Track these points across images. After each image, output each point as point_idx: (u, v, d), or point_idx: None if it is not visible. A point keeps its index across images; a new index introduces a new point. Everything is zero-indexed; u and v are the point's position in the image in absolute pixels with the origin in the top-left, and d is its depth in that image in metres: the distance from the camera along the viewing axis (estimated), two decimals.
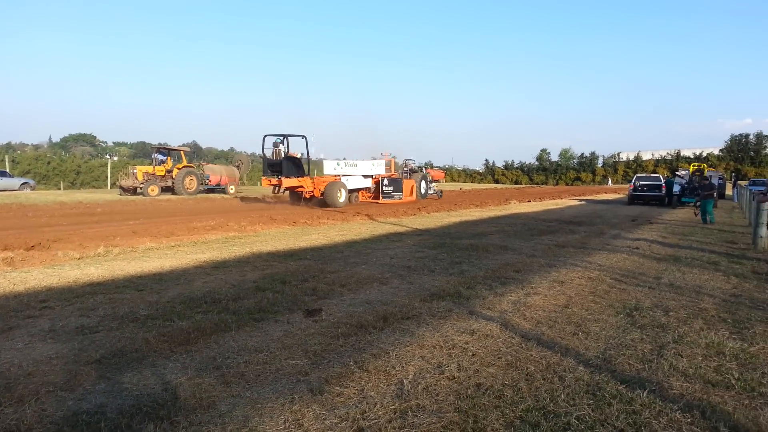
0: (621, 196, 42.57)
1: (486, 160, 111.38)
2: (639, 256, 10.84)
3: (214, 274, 8.34)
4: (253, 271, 8.53)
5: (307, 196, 24.36)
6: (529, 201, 32.70)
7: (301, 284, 7.60)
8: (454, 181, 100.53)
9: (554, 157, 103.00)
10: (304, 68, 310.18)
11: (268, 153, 24.72)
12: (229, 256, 9.96)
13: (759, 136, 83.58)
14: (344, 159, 27.47)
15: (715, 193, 27.66)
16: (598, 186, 78.87)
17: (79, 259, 9.69)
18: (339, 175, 26.18)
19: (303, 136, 24.19)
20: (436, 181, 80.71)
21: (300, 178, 23.83)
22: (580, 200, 35.91)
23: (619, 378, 4.29)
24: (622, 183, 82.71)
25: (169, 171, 34.14)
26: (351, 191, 26.31)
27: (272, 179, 23.86)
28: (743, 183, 45.89)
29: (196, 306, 6.36)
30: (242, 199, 31.81)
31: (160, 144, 36.63)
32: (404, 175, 31.24)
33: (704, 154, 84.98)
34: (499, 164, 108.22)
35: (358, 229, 15.22)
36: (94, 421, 3.55)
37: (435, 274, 8.59)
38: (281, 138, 24.51)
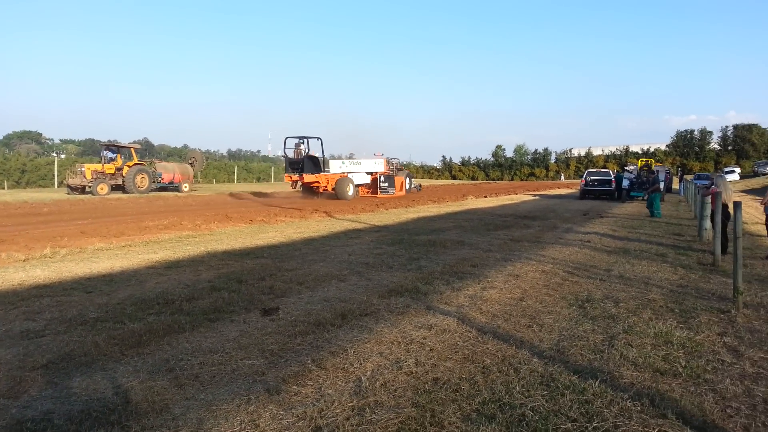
0: (573, 191, 43.69)
1: (443, 156, 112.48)
2: (590, 249, 11.14)
3: (167, 274, 8.13)
4: (208, 271, 8.36)
5: (321, 190, 28.12)
6: (485, 197, 33.19)
7: (258, 283, 7.49)
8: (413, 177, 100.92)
9: (509, 153, 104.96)
10: (260, 63, 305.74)
11: (290, 153, 28.26)
12: (183, 256, 9.73)
13: (703, 132, 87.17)
14: (349, 158, 32.19)
15: (662, 187, 28.79)
16: (551, 181, 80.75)
17: (24, 260, 9.29)
18: (346, 173, 29.64)
19: (319, 138, 28.34)
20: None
21: (317, 175, 27.45)
22: (535, 195, 36.66)
23: (572, 368, 4.39)
24: (574, 178, 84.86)
25: (119, 169, 33.13)
26: (356, 186, 29.64)
27: (293, 176, 27.72)
28: (689, 177, 47.73)
29: (148, 307, 6.19)
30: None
31: (109, 141, 35.50)
32: (393, 172, 34.57)
33: (652, 150, 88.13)
34: (456, 160, 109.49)
35: (317, 226, 15.11)
36: (40, 429, 3.41)
37: (393, 270, 8.60)
38: (302, 139, 28.03)
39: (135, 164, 34.00)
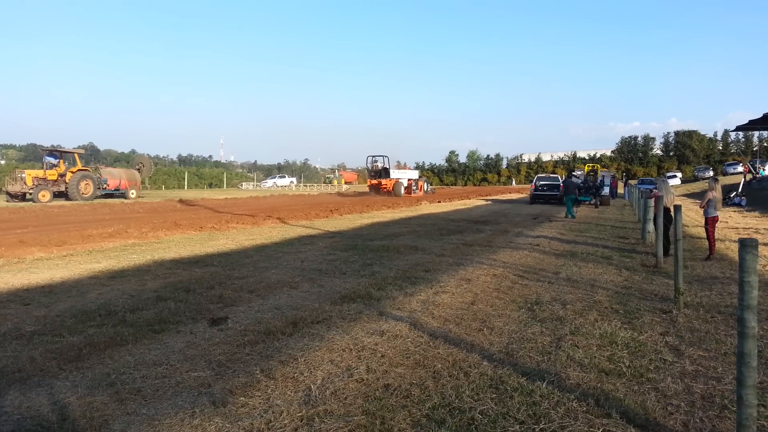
0: (524, 195, 44.64)
1: (398, 161, 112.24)
2: (539, 252, 11.38)
3: (111, 284, 7.84)
4: (154, 280, 8.11)
5: (384, 190, 41.57)
6: (439, 201, 33.53)
7: (207, 292, 7.31)
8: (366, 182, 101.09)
9: (462, 158, 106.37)
10: (211, 67, 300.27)
11: (370, 165, 44.32)
12: (128, 265, 9.41)
13: (646, 138, 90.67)
14: (401, 168, 48.24)
15: (608, 192, 29.77)
16: (503, 186, 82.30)
17: None
18: (398, 178, 42.90)
19: (385, 156, 43.84)
20: (349, 183, 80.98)
21: (386, 180, 42.06)
22: (487, 200, 37.30)
23: (521, 371, 4.45)
24: (524, 183, 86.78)
25: (62, 175, 31.88)
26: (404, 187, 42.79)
27: (373, 181, 43.01)
28: (633, 182, 49.51)
29: (89, 319, 5.94)
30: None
31: (52, 146, 34.15)
32: (420, 178, 49.80)
33: (598, 155, 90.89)
34: (411, 165, 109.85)
35: (269, 233, 14.91)
36: None
37: (346, 276, 8.56)
38: (378, 157, 43.75)
39: (79, 170, 32.80)
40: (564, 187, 23.24)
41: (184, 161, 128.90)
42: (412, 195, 42.65)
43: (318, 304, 6.64)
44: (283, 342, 5.18)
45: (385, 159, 43.81)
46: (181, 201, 33.77)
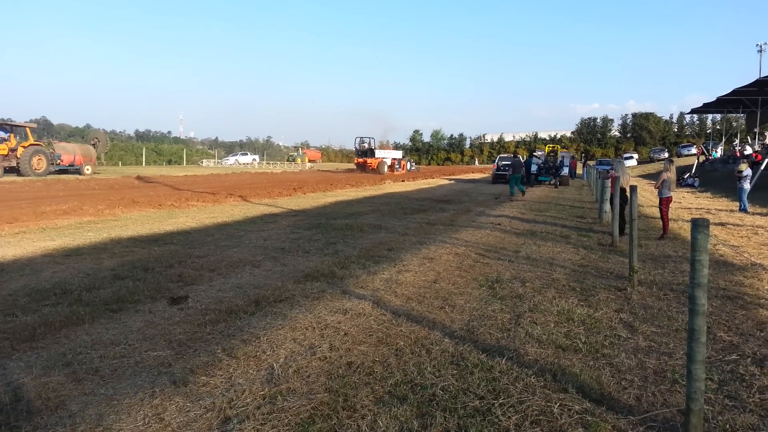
0: (486, 175, 45.13)
1: (381, 142, 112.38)
2: (501, 231, 11.57)
3: (66, 262, 7.61)
4: (111, 259, 7.92)
5: (370, 168, 45.81)
6: (403, 181, 33.60)
7: (166, 270, 7.18)
8: (331, 161, 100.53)
9: (427, 138, 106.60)
10: (167, 39, 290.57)
11: (358, 145, 49.94)
12: (84, 243, 9.15)
13: (605, 120, 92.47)
14: (385, 148, 53.68)
15: (567, 172, 30.35)
16: (466, 166, 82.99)
17: None
18: (383, 158, 47.37)
19: (372, 138, 50.66)
20: (313, 161, 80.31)
21: (371, 159, 46.98)
22: (450, 180, 37.57)
23: (481, 347, 4.54)
24: (487, 163, 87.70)
25: (13, 150, 30.56)
26: (387, 166, 46.89)
27: (359, 159, 48.20)
28: (592, 163, 50.61)
29: (44, 298, 5.77)
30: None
31: (1, 120, 32.63)
32: (403, 158, 53.76)
33: (558, 136, 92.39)
34: (375, 144, 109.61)
35: (231, 211, 14.71)
36: None
37: (309, 255, 8.54)
38: (366, 138, 49.88)
39: (31, 145, 31.50)
40: (511, 166, 23.47)
41: (142, 137, 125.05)
42: (395, 173, 46.27)
43: (281, 283, 6.61)
44: (245, 321, 5.15)
45: (372, 140, 50.08)
46: (138, 178, 32.89)
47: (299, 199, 19.24)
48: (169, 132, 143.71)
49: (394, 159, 49.59)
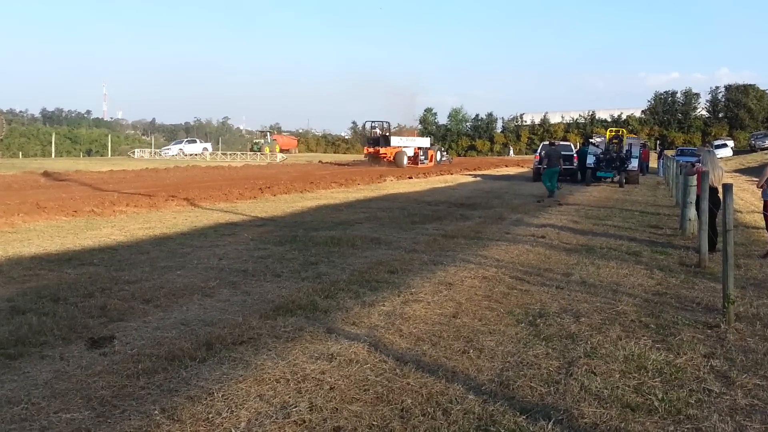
0: (525, 170, 45.24)
1: (353, 123, 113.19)
2: (545, 247, 11.57)
3: None
4: (8, 285, 7.93)
5: (386, 160, 48.96)
6: (409, 177, 33.67)
7: (84, 301, 7.18)
8: (311, 150, 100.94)
9: (442, 119, 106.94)
10: (93, 13, 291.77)
11: (369, 132, 55.87)
12: None
13: (688, 95, 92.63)
14: (407, 134, 60.20)
15: (636, 166, 30.39)
16: (497, 157, 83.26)
17: None
18: (401, 146, 50.38)
19: (387, 122, 56.50)
20: (287, 150, 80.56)
21: (385, 148, 49.89)
22: (475, 176, 37.66)
23: (519, 407, 4.52)
24: (526, 153, 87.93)
25: None
26: (408, 157, 50.07)
27: (370, 149, 51.90)
28: (670, 153, 50.70)
29: None
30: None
31: None
32: (431, 146, 57.39)
33: (624, 117, 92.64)
34: (371, 126, 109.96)
35: (173, 219, 14.73)
36: None
37: (282, 279, 8.54)
38: (377, 122, 54.52)
39: None
40: (546, 157, 24.31)
41: (51, 118, 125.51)
42: (419, 166, 49.20)
43: (242, 318, 6.60)
44: (193, 370, 5.13)
45: (386, 124, 54.90)
46: (46, 174, 32.96)
47: (268, 202, 19.24)
48: (89, 112, 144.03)
49: (418, 148, 52.38)
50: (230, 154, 70.86)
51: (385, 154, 49.60)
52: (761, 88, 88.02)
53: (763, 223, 11.85)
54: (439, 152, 58.74)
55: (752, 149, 63.66)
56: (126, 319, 6.55)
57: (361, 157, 59.19)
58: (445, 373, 5.16)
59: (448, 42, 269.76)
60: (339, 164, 55.68)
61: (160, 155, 70.91)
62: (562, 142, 42.90)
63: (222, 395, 4.66)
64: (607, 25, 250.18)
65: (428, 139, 61.46)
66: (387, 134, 52.63)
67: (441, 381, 4.98)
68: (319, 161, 62.25)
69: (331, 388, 4.82)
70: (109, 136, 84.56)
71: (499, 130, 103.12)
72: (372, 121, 55.13)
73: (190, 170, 40.68)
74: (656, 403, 4.64)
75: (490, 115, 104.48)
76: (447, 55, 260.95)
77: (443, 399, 4.64)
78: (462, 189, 26.93)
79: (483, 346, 5.86)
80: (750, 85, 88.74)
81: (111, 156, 73.26)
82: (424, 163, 51.51)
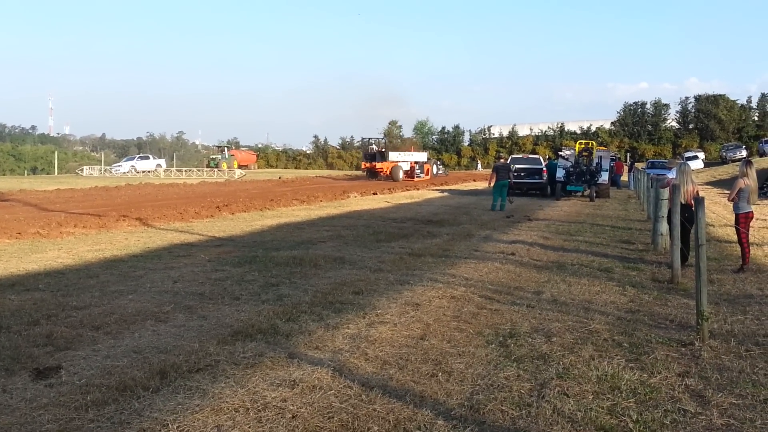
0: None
1: (315, 137, 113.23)
2: (515, 264, 11.66)
3: None
4: None
5: (383, 174, 52.21)
6: (374, 193, 33.72)
7: (29, 329, 7.05)
8: (271, 166, 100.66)
9: (407, 131, 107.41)
10: (38, 23, 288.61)
11: (366, 147, 61.26)
12: None
13: (657, 105, 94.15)
14: (404, 149, 64.05)
15: (607, 179, 30.81)
16: (464, 171, 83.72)
17: None
18: (398, 161, 53.70)
19: (382, 138, 72.86)
20: (245, 166, 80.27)
21: (382, 163, 53.23)
22: (442, 191, 37.87)
23: (490, 431, 4.53)
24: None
25: None
26: (404, 171, 53.38)
27: (367, 164, 55.00)
28: (641, 165, 51.46)
29: None
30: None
31: None
32: (428, 161, 61.88)
33: (593, 129, 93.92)
34: (334, 142, 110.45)
35: (124, 241, 14.54)
36: None
37: (241, 302, 8.49)
38: (373, 138, 64.33)
39: None
40: (495, 170, 25.27)
41: None
42: (415, 179, 52.97)
43: (198, 344, 6.54)
44: (147, 401, 5.06)
45: (382, 141, 63.03)
46: None
47: (225, 221, 19.12)
48: (33, 127, 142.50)
49: (414, 162, 56.05)
50: (185, 171, 70.36)
51: (382, 168, 52.91)
52: (732, 98, 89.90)
53: (735, 237, 12.05)
54: (435, 165, 64.00)
55: (723, 161, 64.82)
56: (74, 348, 6.44)
57: (348, 172, 65.39)
58: (413, 398, 5.16)
59: (414, 53, 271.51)
60: (334, 179, 59.07)
61: (111, 173, 70.16)
62: (531, 155, 43.74)
63: (177, 427, 4.60)
64: (575, 35, 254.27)
65: (425, 153, 66.49)
66: (383, 150, 56.65)
67: (409, 406, 4.97)
68: (279, 177, 61.98)
69: (293, 417, 4.78)
70: (56, 152, 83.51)
71: (466, 143, 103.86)
72: (369, 138, 62.89)
73: (143, 188, 40.27)
74: (631, 425, 4.68)
75: (456, 127, 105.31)
76: (412, 66, 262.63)
77: (411, 425, 4.63)
78: (429, 205, 27.03)
79: (452, 369, 5.87)
80: (720, 95, 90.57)
81: (58, 174, 72.24)
82: (420, 176, 54.86)
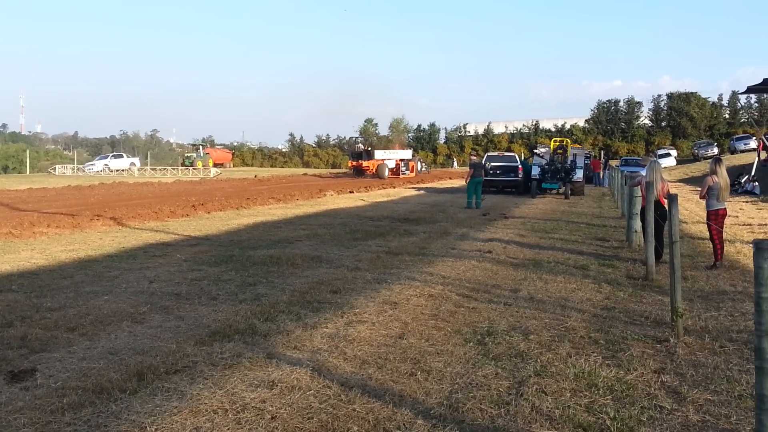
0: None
1: (291, 135, 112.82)
2: (492, 262, 11.71)
3: None
4: None
5: (369, 172, 53.42)
6: (350, 192, 33.69)
7: (2, 332, 7.00)
8: (247, 164, 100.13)
9: (383, 129, 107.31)
10: (7, 18, 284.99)
11: (353, 146, 72.93)
12: None
13: (630, 103, 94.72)
14: (391, 147, 65.52)
15: (581, 176, 31.05)
16: (441, 169, 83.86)
17: None
18: (383, 159, 54.65)
19: (368, 138, 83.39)
20: (221, 165, 79.87)
21: (368, 161, 54.41)
22: (418, 189, 37.94)
23: (469, 429, 4.55)
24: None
25: None
26: (389, 169, 54.37)
27: (353, 162, 56.10)
28: (614, 163, 51.86)
29: None
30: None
31: None
32: (412, 158, 62.61)
33: (567, 126, 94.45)
34: (310, 140, 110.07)
35: (99, 240, 14.42)
36: None
37: (218, 302, 8.46)
38: (360, 138, 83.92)
39: None
40: (472, 167, 25.81)
41: None
42: (400, 177, 54.19)
43: (175, 345, 6.50)
44: (124, 403, 5.02)
45: (368, 140, 63.65)
46: None
47: (201, 220, 19.03)
48: (4, 126, 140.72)
49: (400, 160, 57.25)
50: (160, 170, 69.80)
51: (368, 167, 54.11)
52: (703, 95, 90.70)
53: (707, 234, 12.19)
54: (419, 163, 64.83)
55: (695, 158, 65.50)
56: (49, 350, 6.38)
57: (332, 170, 69.01)
58: (392, 397, 5.16)
59: (388, 50, 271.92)
60: (321, 176, 59.02)
61: (84, 171, 69.42)
62: (507, 153, 44.38)
63: (155, 429, 4.57)
64: (550, 33, 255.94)
65: (410, 151, 66.77)
66: (369, 148, 59.14)
67: (388, 406, 4.98)
68: (255, 176, 61.69)
69: (272, 418, 4.77)
70: (27, 151, 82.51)
71: (442, 141, 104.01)
72: (356, 137, 67.48)
73: (117, 187, 39.91)
74: (608, 422, 4.72)
75: (432, 125, 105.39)
76: (387, 63, 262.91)
77: (391, 425, 4.64)
78: (405, 203, 27.06)
79: (431, 368, 5.88)
80: (692, 93, 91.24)
81: (30, 173, 71.40)
82: (405, 174, 56.17)
